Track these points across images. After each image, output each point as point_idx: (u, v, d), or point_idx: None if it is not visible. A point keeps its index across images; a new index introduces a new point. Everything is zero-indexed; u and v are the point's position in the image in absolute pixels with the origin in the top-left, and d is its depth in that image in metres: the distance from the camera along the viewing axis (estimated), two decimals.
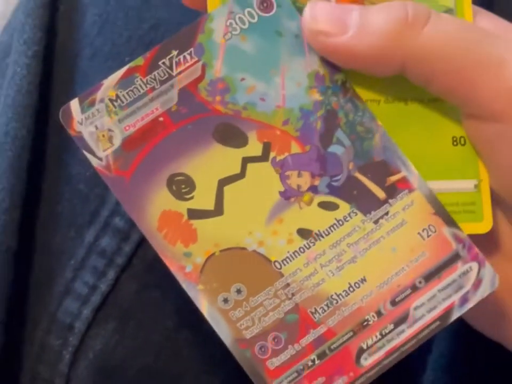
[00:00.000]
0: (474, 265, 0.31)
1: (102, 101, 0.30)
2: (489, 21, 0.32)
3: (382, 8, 0.30)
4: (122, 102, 0.30)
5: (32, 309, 0.40)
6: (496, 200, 0.32)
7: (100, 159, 0.30)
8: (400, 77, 0.31)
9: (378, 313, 0.30)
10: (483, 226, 0.32)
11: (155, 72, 0.30)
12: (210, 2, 0.31)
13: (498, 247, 0.33)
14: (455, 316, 0.30)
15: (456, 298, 0.30)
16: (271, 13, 0.31)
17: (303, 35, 0.31)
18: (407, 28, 0.29)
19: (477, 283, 0.30)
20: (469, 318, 0.35)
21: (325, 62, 0.31)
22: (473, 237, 0.31)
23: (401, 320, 0.30)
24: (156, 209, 0.30)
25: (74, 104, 0.30)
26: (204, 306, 0.30)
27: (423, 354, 0.41)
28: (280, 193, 0.31)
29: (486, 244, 0.33)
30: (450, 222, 0.31)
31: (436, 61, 0.29)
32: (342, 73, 0.31)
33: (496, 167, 0.31)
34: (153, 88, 0.30)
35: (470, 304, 0.30)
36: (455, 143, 0.32)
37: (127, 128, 0.30)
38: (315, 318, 0.30)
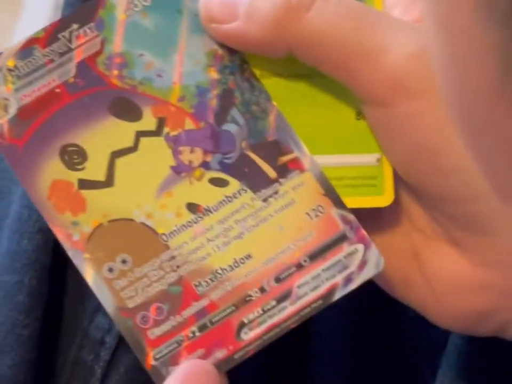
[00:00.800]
0: (360, 247, 0.31)
1: (0, 69, 0.31)
2: None
3: None
4: (20, 72, 0.31)
5: (66, 325, 0.41)
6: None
7: None
8: None
9: (262, 289, 0.31)
10: (384, 199, 0.32)
11: (54, 45, 0.31)
12: None
13: (404, 219, 0.34)
14: (338, 295, 0.31)
15: (340, 278, 0.31)
16: None
17: None
18: (291, 13, 0.30)
19: (362, 264, 0.31)
20: (380, 283, 0.35)
21: None
22: (377, 208, 0.32)
23: (284, 297, 0.31)
24: (47, 178, 0.31)
25: None
26: (89, 275, 0.31)
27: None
28: (172, 167, 0.31)
29: (391, 216, 0.34)
30: (339, 203, 0.31)
31: (318, 47, 0.30)
32: (240, 54, 0.32)
33: (387, 147, 0.32)
34: (51, 60, 0.31)
35: (353, 285, 0.31)
36: (358, 117, 0.32)
37: (23, 97, 0.31)
38: (198, 291, 0.31)
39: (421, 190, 0.32)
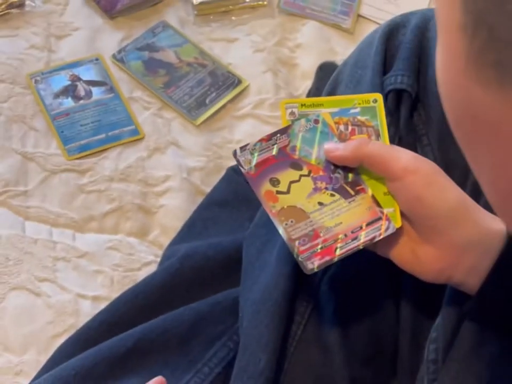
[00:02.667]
0: (386, 222, 0.78)
1: (248, 149, 0.80)
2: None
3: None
4: (256, 150, 0.80)
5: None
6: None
7: (245, 169, 0.79)
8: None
9: (345, 235, 0.78)
10: (398, 225, 0.80)
11: (270, 141, 0.81)
12: (283, 121, 0.83)
13: (406, 234, 0.79)
14: (377, 238, 0.78)
15: (378, 233, 0.77)
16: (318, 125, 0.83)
17: (330, 133, 0.83)
18: (362, 145, 0.79)
19: (387, 229, 0.77)
20: (396, 262, 0.81)
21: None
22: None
23: (355, 238, 0.78)
24: (264, 190, 0.78)
25: (237, 150, 0.81)
26: (280, 227, 0.77)
27: None
28: (313, 188, 0.80)
29: (401, 233, 0.79)
30: (379, 205, 0.78)
31: (372, 159, 0.78)
32: None
33: (402, 204, 0.80)
34: (269, 146, 0.80)
35: (384, 235, 0.78)
36: (386, 194, 0.81)
37: (257, 159, 0.80)
38: (321, 234, 0.77)
39: (413, 221, 0.80)
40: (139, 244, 1.19)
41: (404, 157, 0.75)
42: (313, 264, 0.74)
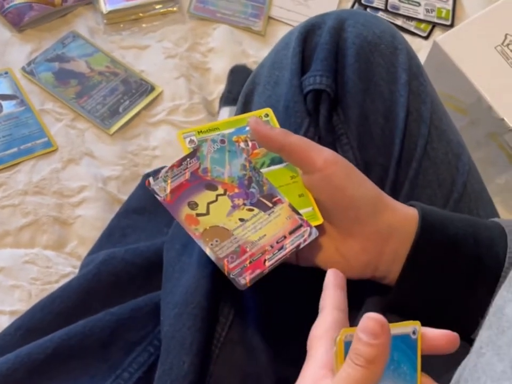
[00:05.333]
0: (307, 228, 0.78)
1: (161, 176, 0.81)
2: None
3: None
4: (168, 177, 0.81)
5: None
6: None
7: (161, 197, 0.80)
8: (273, 178, 0.82)
9: (271, 246, 0.78)
10: (319, 220, 0.80)
11: (180, 167, 0.81)
12: (185, 150, 0.83)
13: (327, 233, 0.81)
14: (301, 246, 0.78)
15: (301, 240, 0.78)
16: (224, 144, 0.82)
17: (239, 152, 0.82)
18: None
19: (309, 235, 0.78)
20: (320, 263, 0.81)
21: (247, 160, 0.82)
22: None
23: (280, 248, 0.79)
24: (183, 214, 0.79)
25: (151, 179, 0.81)
26: (205, 248, 0.78)
27: None
28: (231, 206, 0.80)
29: (322, 232, 0.80)
30: (297, 212, 0.79)
31: (295, 147, 0.79)
32: (254, 165, 0.82)
33: (323, 197, 0.80)
34: (180, 172, 0.81)
35: (307, 242, 0.78)
36: (300, 196, 0.81)
37: (171, 185, 0.80)
38: (247, 248, 0.78)
39: (334, 215, 0.80)
40: (56, 256, 1.18)
41: (325, 150, 0.76)
42: (245, 279, 0.75)
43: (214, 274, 0.80)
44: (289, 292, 0.84)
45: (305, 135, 0.85)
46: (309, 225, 0.77)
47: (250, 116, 0.82)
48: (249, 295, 0.83)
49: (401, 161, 0.85)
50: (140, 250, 0.98)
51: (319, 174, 0.76)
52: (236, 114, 0.91)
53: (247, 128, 0.82)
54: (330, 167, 0.75)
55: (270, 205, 0.79)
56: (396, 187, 0.86)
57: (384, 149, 0.86)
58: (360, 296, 0.79)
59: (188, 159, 0.80)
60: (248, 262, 0.76)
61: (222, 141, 0.81)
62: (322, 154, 0.75)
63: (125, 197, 1.25)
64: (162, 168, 0.81)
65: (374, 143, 0.86)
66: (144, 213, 1.14)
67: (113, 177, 1.29)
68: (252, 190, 0.80)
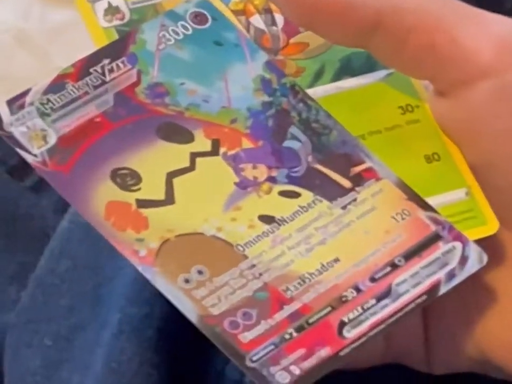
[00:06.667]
0: (458, 245, 0.28)
1: (32, 104, 0.29)
2: None
3: None
4: (54, 105, 0.29)
5: (198, 365, 0.35)
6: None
7: (35, 155, 0.28)
8: (351, 112, 0.31)
9: (357, 289, 0.28)
10: (489, 228, 0.30)
11: (87, 78, 0.30)
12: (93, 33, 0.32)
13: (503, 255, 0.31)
14: (442, 290, 0.28)
15: (441, 274, 0.28)
16: (206, 26, 0.31)
17: (242, 43, 0.31)
18: None
19: (463, 260, 0.28)
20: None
21: (270, 67, 0.31)
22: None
23: (384, 295, 0.27)
24: (100, 200, 0.28)
25: (2, 107, 0.29)
26: (163, 287, 0.27)
27: None
28: (236, 183, 0.29)
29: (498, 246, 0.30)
30: (425, 206, 0.29)
31: (414, 12, 0.28)
32: (290, 77, 0.31)
33: (488, 143, 0.29)
34: (86, 93, 0.30)
35: (457, 280, 0.28)
36: (429, 160, 0.31)
37: (61, 128, 0.29)
38: (287, 295, 0.27)
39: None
40: None
41: (490, 18, 0.29)
42: (287, 374, 0.26)
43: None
44: None
45: None
46: (462, 238, 0.29)
47: None
48: None
49: None
50: None
51: (488, 84, 0.28)
52: None
53: None
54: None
55: (346, 182, 0.28)
56: None
57: None
58: None
59: (105, 60, 0.30)
60: (291, 327, 0.27)
61: (197, 16, 0.31)
62: (487, 31, 0.28)
63: None
64: (34, 86, 0.29)
65: None
66: None
67: None
68: (290, 142, 0.29)
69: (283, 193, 0.28)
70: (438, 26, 0.28)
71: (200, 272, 0.27)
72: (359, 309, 0.27)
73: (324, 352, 0.26)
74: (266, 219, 0.28)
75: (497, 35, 0.28)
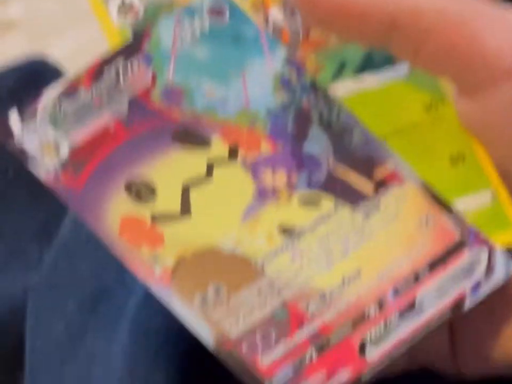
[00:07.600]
0: (484, 251, 0.27)
1: (44, 111, 0.28)
2: None
3: None
4: (67, 112, 0.28)
5: None
6: None
7: (47, 171, 0.27)
8: (372, 111, 0.29)
9: (380, 305, 0.26)
10: None
11: (100, 82, 0.28)
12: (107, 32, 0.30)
13: None
14: (468, 305, 0.27)
15: (467, 286, 0.27)
16: (224, 21, 0.30)
17: (261, 38, 0.29)
18: None
19: (489, 269, 0.27)
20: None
21: (290, 64, 0.29)
22: None
23: (407, 310, 0.26)
24: (115, 216, 0.27)
25: (13, 115, 0.28)
26: (179, 308, 0.26)
27: None
28: (254, 192, 0.27)
29: None
30: (450, 210, 0.27)
31: (433, 13, 0.27)
32: (309, 74, 0.29)
33: (505, 149, 0.28)
34: (100, 98, 0.28)
35: (482, 293, 0.27)
36: (453, 160, 0.29)
37: (74, 136, 0.28)
38: (308, 314, 0.26)
39: None
40: None
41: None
42: None
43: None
44: None
45: None
46: (488, 244, 0.27)
47: None
48: None
49: None
50: None
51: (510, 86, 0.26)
52: None
53: None
54: None
55: (369, 187, 0.27)
56: None
57: None
58: None
59: (119, 62, 0.29)
60: (312, 348, 0.26)
61: (214, 11, 0.29)
62: (510, 30, 0.27)
63: None
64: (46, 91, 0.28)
65: None
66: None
67: None
68: (310, 144, 0.27)
69: (303, 201, 0.27)
70: (458, 26, 0.26)
71: (217, 291, 0.26)
72: (382, 326, 0.26)
73: (345, 374, 0.25)
74: (286, 230, 0.27)
75: None
